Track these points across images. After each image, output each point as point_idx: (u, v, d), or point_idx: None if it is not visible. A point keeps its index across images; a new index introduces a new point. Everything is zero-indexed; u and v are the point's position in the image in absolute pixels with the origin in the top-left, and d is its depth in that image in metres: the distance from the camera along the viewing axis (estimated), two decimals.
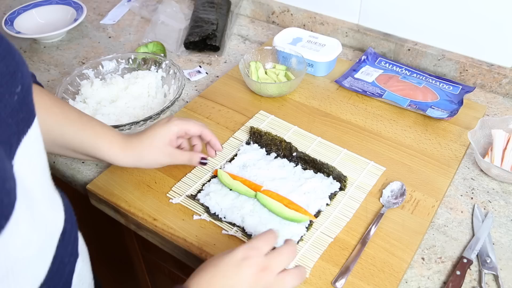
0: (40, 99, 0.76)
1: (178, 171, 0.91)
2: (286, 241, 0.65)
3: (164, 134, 0.83)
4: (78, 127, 0.79)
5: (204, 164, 0.87)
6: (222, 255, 0.61)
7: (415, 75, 1.14)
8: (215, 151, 0.91)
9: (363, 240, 0.78)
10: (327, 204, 0.85)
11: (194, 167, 0.92)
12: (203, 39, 1.27)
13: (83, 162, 0.97)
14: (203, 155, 0.87)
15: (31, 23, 1.40)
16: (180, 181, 0.89)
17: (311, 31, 1.30)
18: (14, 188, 0.41)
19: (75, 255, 0.59)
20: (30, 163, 0.49)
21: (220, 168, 0.91)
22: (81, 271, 0.61)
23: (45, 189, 0.53)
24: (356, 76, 1.15)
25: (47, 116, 0.77)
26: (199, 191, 0.87)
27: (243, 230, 0.81)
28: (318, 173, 0.89)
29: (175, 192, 0.88)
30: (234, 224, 0.82)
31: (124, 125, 0.93)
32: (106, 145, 0.80)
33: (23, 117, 0.50)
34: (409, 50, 1.20)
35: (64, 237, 0.56)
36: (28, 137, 0.50)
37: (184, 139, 0.90)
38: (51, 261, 0.52)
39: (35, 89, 0.76)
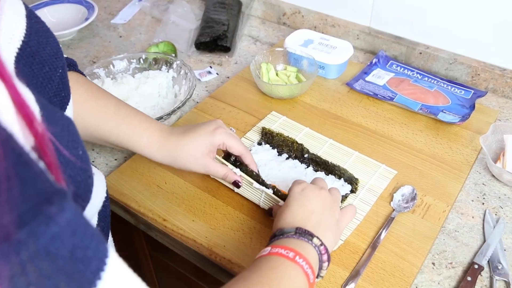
0: (75, 92, 0.75)
1: (187, 172, 0.91)
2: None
3: (206, 144, 0.80)
4: (115, 122, 0.78)
5: (238, 187, 0.83)
6: (285, 203, 0.72)
7: (426, 78, 1.14)
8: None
9: (374, 244, 0.78)
10: None
11: None
12: (214, 40, 1.27)
13: (92, 162, 0.97)
14: (239, 179, 0.83)
15: None
16: None
17: (322, 33, 1.30)
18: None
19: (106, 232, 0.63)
20: None
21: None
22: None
23: None
24: (367, 79, 1.14)
25: (82, 110, 0.77)
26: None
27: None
28: (330, 175, 0.89)
29: None
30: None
31: None
32: (143, 143, 0.79)
33: (64, 95, 0.55)
34: (420, 53, 1.19)
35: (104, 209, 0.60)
36: (66, 113, 0.55)
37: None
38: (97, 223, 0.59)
39: (71, 79, 0.77)
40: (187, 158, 0.80)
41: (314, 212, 0.69)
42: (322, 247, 0.65)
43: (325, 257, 0.65)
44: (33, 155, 0.30)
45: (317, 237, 0.66)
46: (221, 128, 0.81)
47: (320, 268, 0.66)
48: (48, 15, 1.43)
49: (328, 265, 0.66)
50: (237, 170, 0.84)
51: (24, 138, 0.31)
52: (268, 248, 0.63)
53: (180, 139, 0.80)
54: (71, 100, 0.58)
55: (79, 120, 0.76)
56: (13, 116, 0.31)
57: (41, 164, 0.31)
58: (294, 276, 0.60)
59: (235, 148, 0.82)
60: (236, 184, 0.83)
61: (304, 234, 0.65)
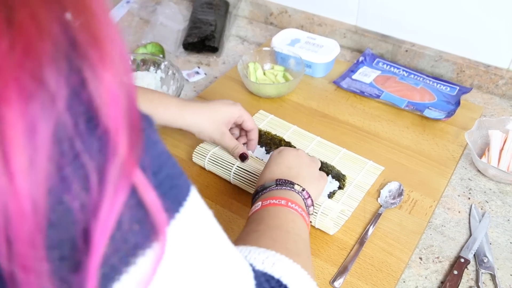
0: None
1: None
2: None
3: (227, 113, 0.85)
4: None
5: (243, 160, 0.87)
6: (265, 166, 0.76)
7: (412, 76, 1.15)
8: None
9: (361, 240, 0.79)
10: None
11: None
12: (202, 40, 1.27)
13: None
14: (246, 152, 0.87)
15: None
16: None
17: (309, 32, 1.31)
18: None
19: None
20: None
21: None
22: None
23: None
24: (354, 77, 1.15)
25: None
26: None
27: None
28: None
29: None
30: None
31: None
32: (161, 109, 0.81)
33: None
34: (406, 51, 1.21)
35: None
36: None
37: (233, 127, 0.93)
38: None
39: None
40: (209, 121, 0.84)
41: (291, 167, 0.73)
42: (304, 192, 0.69)
43: (309, 201, 0.69)
44: None
45: (298, 184, 0.69)
46: (238, 103, 0.88)
47: (307, 213, 0.69)
48: None
49: (313, 209, 0.72)
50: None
51: None
52: (259, 203, 0.65)
53: (204, 105, 0.85)
54: None
55: None
56: None
57: None
58: (295, 219, 0.63)
59: (249, 122, 0.89)
60: (243, 156, 0.86)
61: (284, 183, 0.69)
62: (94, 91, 0.28)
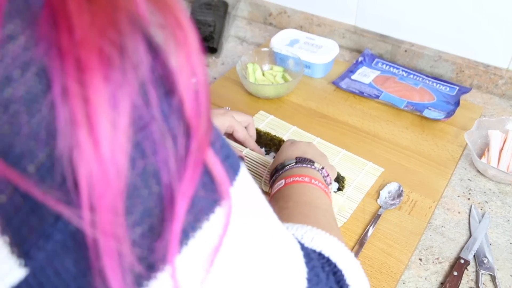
0: None
1: None
2: None
3: (216, 124, 0.83)
4: None
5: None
6: (278, 153, 0.79)
7: (412, 76, 1.15)
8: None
9: (361, 241, 0.79)
10: None
11: None
12: (201, 41, 1.27)
13: None
14: (242, 155, 0.87)
15: None
16: None
17: (308, 32, 1.30)
18: None
19: None
20: None
21: None
22: None
23: None
24: (353, 77, 1.15)
25: None
26: None
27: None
28: None
29: None
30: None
31: None
32: None
33: None
34: (405, 51, 1.20)
35: None
36: None
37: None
38: None
39: None
40: None
41: (306, 152, 0.74)
42: (324, 170, 0.70)
43: (328, 179, 0.71)
44: None
45: (317, 162, 0.70)
46: (229, 112, 0.87)
47: (329, 190, 0.70)
48: None
49: (331, 187, 0.74)
50: (244, 149, 0.88)
51: None
52: (282, 181, 0.67)
53: None
54: None
55: None
56: None
57: None
58: (320, 195, 0.64)
59: (240, 133, 0.87)
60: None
61: (304, 161, 0.70)
62: (176, 66, 0.29)
